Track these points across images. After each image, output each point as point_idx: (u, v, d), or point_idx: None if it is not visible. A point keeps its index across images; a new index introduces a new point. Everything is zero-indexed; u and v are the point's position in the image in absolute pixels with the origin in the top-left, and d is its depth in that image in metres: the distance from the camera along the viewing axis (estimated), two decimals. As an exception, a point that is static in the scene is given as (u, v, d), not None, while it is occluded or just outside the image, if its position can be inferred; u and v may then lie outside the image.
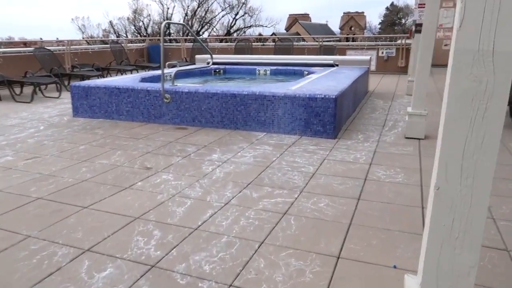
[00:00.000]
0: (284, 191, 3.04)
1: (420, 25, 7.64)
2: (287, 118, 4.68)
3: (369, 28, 63.58)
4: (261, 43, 12.84)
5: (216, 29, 39.32)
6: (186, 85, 5.38)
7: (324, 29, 61.10)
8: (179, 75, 7.51)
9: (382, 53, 11.35)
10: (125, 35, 36.07)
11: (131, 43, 14.63)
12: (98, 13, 75.80)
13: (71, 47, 10.79)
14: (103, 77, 9.64)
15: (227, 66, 8.63)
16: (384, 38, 14.04)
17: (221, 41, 25.23)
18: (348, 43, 12.37)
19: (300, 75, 7.90)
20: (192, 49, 12.66)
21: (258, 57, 9.05)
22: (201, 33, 38.28)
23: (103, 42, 14.93)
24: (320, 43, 11.84)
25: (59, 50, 10.40)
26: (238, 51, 12.22)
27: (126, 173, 3.44)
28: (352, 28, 59.46)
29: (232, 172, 3.47)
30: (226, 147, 4.23)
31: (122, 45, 12.02)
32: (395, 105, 6.64)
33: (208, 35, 38.66)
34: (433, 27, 4.29)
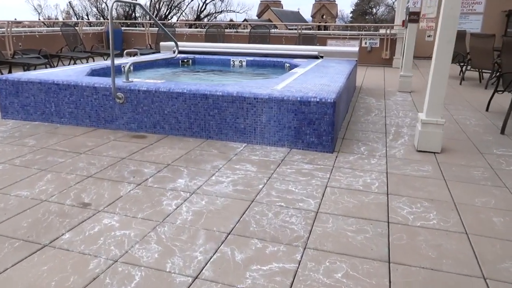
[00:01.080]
0: (281, 247, 2.10)
1: (415, 13, 6.83)
2: (273, 126, 3.73)
3: (341, 17, 63.30)
4: (235, 30, 11.73)
5: (186, 13, 37.60)
6: (144, 81, 4.31)
7: (296, 16, 60.26)
8: (139, 67, 6.39)
9: (366, 43, 10.54)
10: (86, 18, 33.79)
11: (90, 26, 13.11)
12: (59, -7, 71.17)
13: (14, 29, 9.31)
14: (52, 65, 8.32)
15: (196, 56, 7.54)
16: (359, 27, 13.26)
17: (190, 26, 23.82)
18: (329, 31, 11.47)
19: (281, 67, 6.94)
20: (158, 35, 11.39)
21: (233, 45, 8.00)
22: (169, 17, 36.47)
23: (65, 24, 13.27)
24: (299, 31, 10.88)
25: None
26: (209, 38, 11.09)
27: (50, 216, 2.39)
28: (324, 17, 59.02)
29: (205, 210, 2.49)
30: (196, 166, 3.24)
31: (76, 28, 10.61)
32: (390, 105, 5.82)
33: (177, 20, 36.90)
34: (455, 16, 3.43)
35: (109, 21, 3.89)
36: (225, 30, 11.45)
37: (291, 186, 2.88)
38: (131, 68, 6.07)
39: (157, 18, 35.31)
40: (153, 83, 4.18)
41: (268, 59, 7.16)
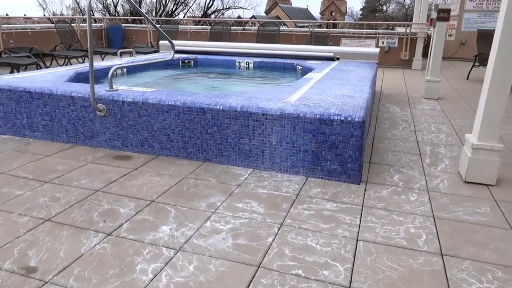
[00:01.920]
0: None
1: (445, 11, 6.05)
2: (285, 149, 3.01)
3: (350, 14, 62.23)
4: (242, 28, 11.01)
5: (192, 9, 36.90)
6: (131, 90, 3.61)
7: (304, 13, 59.40)
8: (134, 69, 5.71)
9: (383, 43, 9.75)
10: (91, 14, 33.22)
11: (84, 22, 12.45)
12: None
13: (4, 25, 8.66)
14: (44, 66, 7.67)
15: (199, 56, 6.83)
16: (376, 25, 12.46)
17: (197, 23, 23.12)
18: (343, 30, 10.68)
19: (292, 70, 6.21)
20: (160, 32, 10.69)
21: (239, 45, 7.27)
22: (175, 14, 35.81)
23: (60, 21, 12.59)
24: (311, 29, 10.12)
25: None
26: (214, 36, 10.37)
27: (-25, 291, 1.71)
28: (333, 14, 58.14)
29: (192, 284, 1.78)
30: (188, 204, 2.54)
31: (73, 25, 9.95)
32: (418, 115, 5.06)
33: (184, 16, 36.22)
34: (520, 12, 2.67)
35: (87, 17, 3.19)
36: (232, 27, 10.73)
37: (311, 239, 2.16)
38: (117, 72, 5.38)
39: (163, 14, 34.64)
40: (140, 92, 3.48)
41: (277, 60, 6.43)
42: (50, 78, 4.12)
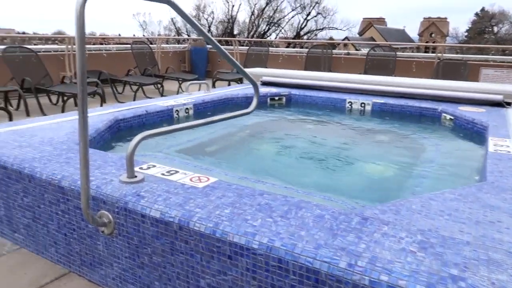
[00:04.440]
0: None
1: None
2: None
3: (455, 35, 56.65)
4: (345, 52, 9.06)
5: (285, 30, 35.86)
6: (164, 179, 1.85)
7: (401, 35, 55.46)
8: (200, 105, 4.11)
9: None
10: (186, 34, 33.86)
11: (167, 43, 11.51)
12: (161, 9, 74.59)
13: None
14: (103, 98, 6.49)
15: (293, 91, 5.04)
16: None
17: (288, 45, 21.70)
18: (485, 57, 8.15)
19: (435, 120, 4.09)
20: (248, 55, 9.19)
21: (349, 77, 5.32)
22: (267, 34, 35.09)
23: (138, 41, 11.81)
24: (438, 54, 7.81)
25: (60, 50, 7.48)
26: (311, 62, 8.57)
27: None
28: (433, 35, 53.67)
29: None
30: None
31: (152, 45, 8.88)
32: None
33: (276, 37, 35.37)
34: None
35: (76, 35, 1.51)
36: (333, 51, 8.83)
37: None
38: (179, 115, 3.79)
39: (255, 35, 34.09)
40: (182, 197, 1.69)
41: (407, 102, 4.35)
42: (61, 134, 2.57)
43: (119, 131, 3.19)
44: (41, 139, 2.46)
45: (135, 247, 1.66)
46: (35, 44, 9.98)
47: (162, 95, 7.31)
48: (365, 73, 7.82)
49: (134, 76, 7.61)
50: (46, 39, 12.09)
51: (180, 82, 7.82)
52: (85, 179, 1.54)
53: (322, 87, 5.13)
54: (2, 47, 6.41)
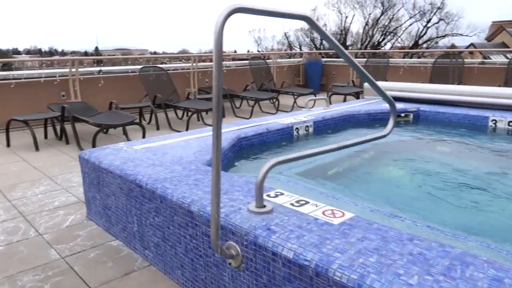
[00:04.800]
0: None
1: None
2: None
3: None
4: (480, 60, 8.04)
5: (402, 39, 33.87)
6: (296, 212, 1.69)
7: (543, 38, 47.99)
8: (320, 123, 3.93)
9: None
10: (298, 48, 34.24)
11: (281, 58, 11.60)
12: (275, 24, 76.76)
13: (200, 63, 8.27)
14: (233, 107, 6.73)
15: (422, 107, 4.55)
16: None
17: (404, 55, 20.37)
18: None
19: None
20: (366, 68, 8.74)
21: (488, 90, 4.62)
22: (382, 44, 33.56)
23: (255, 57, 12.09)
24: None
25: (186, 68, 8.04)
26: (437, 73, 7.80)
27: None
28: None
29: None
30: None
31: (268, 61, 9.03)
32: None
33: (391, 47, 33.61)
34: None
35: (214, 55, 1.45)
36: (465, 60, 7.89)
37: None
38: (299, 133, 3.65)
39: (369, 45, 32.85)
40: (326, 236, 1.52)
41: None
42: (189, 153, 2.62)
43: (240, 150, 3.18)
44: (172, 157, 2.53)
45: (263, 286, 1.53)
46: (163, 63, 10.97)
47: (277, 110, 7.34)
48: (505, 85, 6.80)
49: (251, 91, 7.79)
50: (174, 58, 13.25)
51: (296, 96, 7.77)
52: (215, 208, 1.46)
53: (456, 102, 4.54)
54: (139, 67, 7.13)
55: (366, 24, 32.78)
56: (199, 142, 2.94)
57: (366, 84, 5.54)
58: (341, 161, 3.45)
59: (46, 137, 5.54)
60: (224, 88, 7.34)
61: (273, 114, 7.12)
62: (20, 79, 6.28)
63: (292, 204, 1.75)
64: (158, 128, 5.94)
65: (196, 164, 2.38)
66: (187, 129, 5.71)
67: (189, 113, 6.31)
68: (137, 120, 5.23)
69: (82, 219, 2.86)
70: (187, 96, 7.19)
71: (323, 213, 1.66)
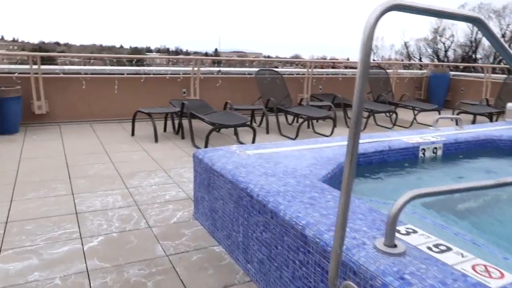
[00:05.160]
0: None
1: None
2: None
3: None
4: None
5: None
6: (434, 259, 1.36)
7: None
8: (451, 145, 3.43)
9: None
10: (418, 58, 31.92)
11: (405, 68, 10.76)
12: (394, 33, 72.79)
13: (316, 70, 8.06)
14: (345, 118, 6.42)
15: None
16: None
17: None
18: None
19: None
20: (505, 85, 7.60)
21: None
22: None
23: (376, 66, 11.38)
24: None
25: (301, 74, 7.91)
26: None
27: None
28: None
29: None
30: None
31: (388, 71, 8.43)
32: None
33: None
34: None
35: (359, 61, 1.21)
36: None
37: None
38: (425, 154, 3.20)
39: (503, 61, 29.09)
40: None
41: None
42: (304, 165, 2.42)
43: (358, 167, 2.87)
44: (285, 168, 2.36)
45: None
46: (276, 67, 11.03)
47: (394, 125, 6.77)
48: None
49: (367, 102, 7.33)
50: (289, 63, 13.28)
51: (417, 112, 7.09)
52: (339, 242, 1.23)
53: None
54: (254, 69, 7.20)
55: (503, 36, 29.17)
56: (313, 154, 2.73)
57: (510, 105, 4.74)
58: (475, 193, 2.92)
59: (165, 130, 5.88)
60: (339, 96, 7.02)
61: (389, 128, 6.57)
62: (149, 74, 6.80)
63: (429, 248, 1.42)
64: (267, 132, 5.89)
65: (311, 180, 2.16)
66: (296, 136, 5.55)
67: (300, 120, 6.14)
68: (249, 123, 5.23)
69: (189, 217, 2.86)
70: (299, 102, 7.05)
71: (473, 267, 1.31)
